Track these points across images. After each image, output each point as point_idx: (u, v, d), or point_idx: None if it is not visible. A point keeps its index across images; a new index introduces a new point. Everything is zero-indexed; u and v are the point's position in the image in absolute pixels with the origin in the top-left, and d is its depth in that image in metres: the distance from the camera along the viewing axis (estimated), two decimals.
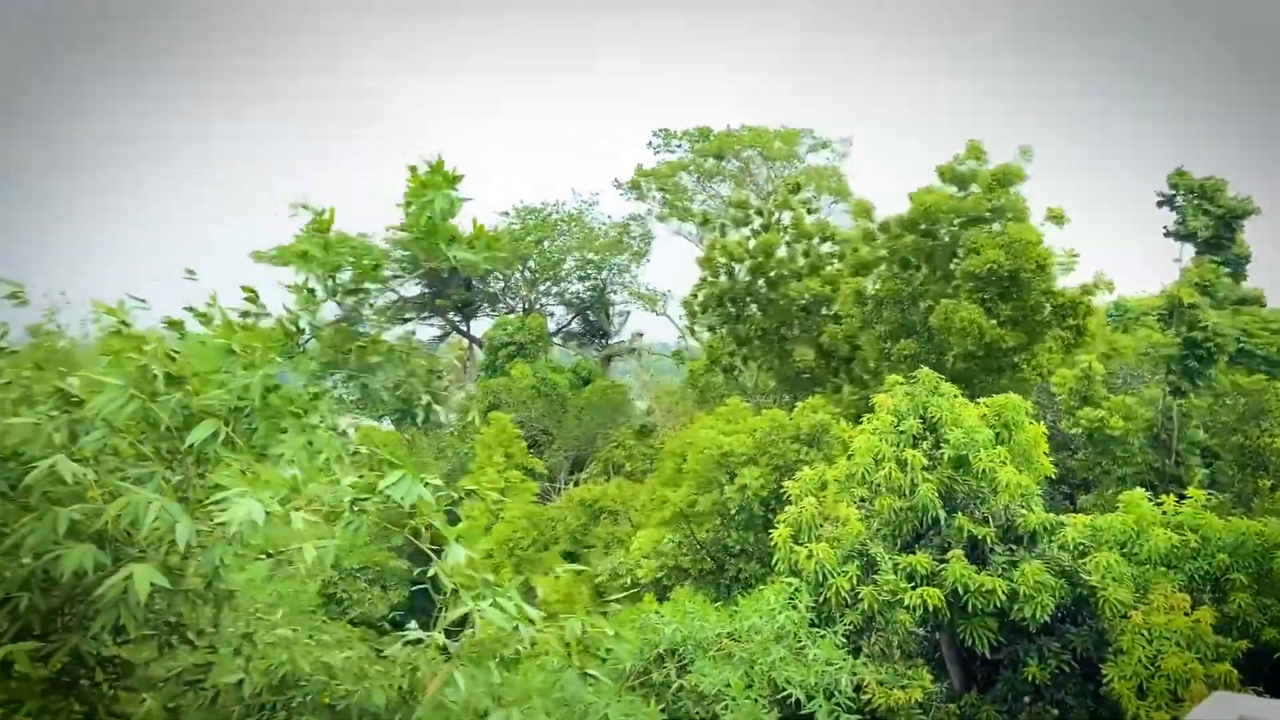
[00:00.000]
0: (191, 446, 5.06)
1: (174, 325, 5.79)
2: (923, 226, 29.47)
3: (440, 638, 5.36)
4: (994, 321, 27.74)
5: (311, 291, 5.99)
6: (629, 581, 25.07)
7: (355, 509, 5.07)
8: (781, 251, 36.61)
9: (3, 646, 4.73)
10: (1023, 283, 27.77)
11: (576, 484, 37.14)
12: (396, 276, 57.62)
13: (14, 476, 5.01)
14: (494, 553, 31.64)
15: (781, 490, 18.97)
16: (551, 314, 62.25)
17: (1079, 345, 28.84)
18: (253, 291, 5.98)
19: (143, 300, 5.79)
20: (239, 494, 4.64)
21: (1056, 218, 28.81)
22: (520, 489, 34.18)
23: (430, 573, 5.29)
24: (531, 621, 5.29)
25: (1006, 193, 28.73)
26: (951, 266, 29.54)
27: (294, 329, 5.93)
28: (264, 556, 5.55)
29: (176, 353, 5.40)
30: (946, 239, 29.68)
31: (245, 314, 5.95)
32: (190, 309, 5.84)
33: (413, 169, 5.93)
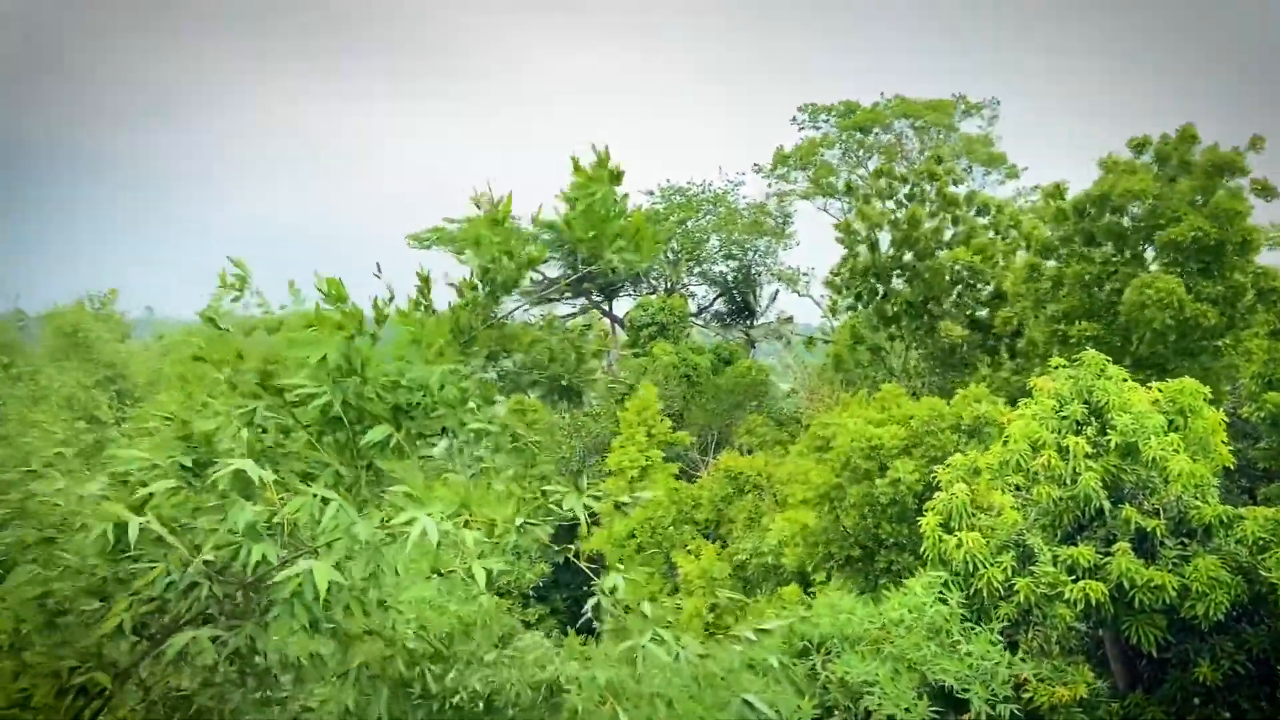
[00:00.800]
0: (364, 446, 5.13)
1: (381, 317, 5.77)
2: (1112, 203, 27.77)
3: (606, 673, 5.34)
4: (1192, 298, 25.90)
5: (475, 287, 5.94)
6: (771, 562, 24.84)
7: (521, 530, 5.07)
8: (930, 223, 35.38)
9: (184, 633, 4.93)
10: (1226, 258, 25.85)
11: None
12: (544, 261, 58.78)
13: (201, 460, 5.21)
14: (636, 532, 31.98)
15: (935, 479, 18.38)
16: (693, 294, 62.13)
17: None
18: (425, 280, 5.95)
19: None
20: (410, 500, 4.70)
21: (1264, 190, 26.59)
22: (661, 468, 34.35)
23: (593, 603, 5.30)
24: (683, 646, 5.20)
25: (1221, 182, 26.62)
26: (1140, 248, 27.86)
27: (457, 326, 5.88)
28: (435, 575, 5.59)
29: (369, 335, 5.39)
30: (1131, 221, 27.87)
31: (416, 304, 5.91)
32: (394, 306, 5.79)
33: (575, 161, 5.76)
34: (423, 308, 5.93)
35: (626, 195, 6.06)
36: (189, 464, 5.10)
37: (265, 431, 5.18)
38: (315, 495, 4.67)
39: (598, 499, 5.38)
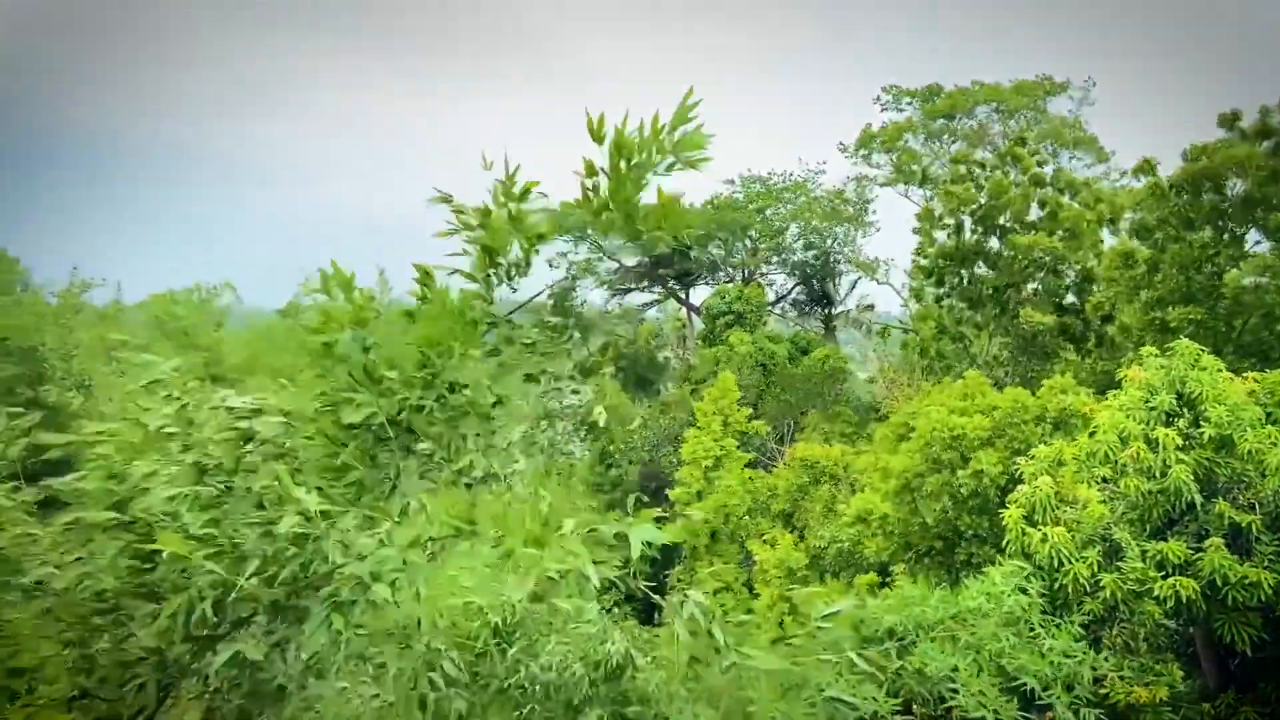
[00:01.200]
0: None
1: (408, 315, 5.41)
2: (1214, 177, 26.67)
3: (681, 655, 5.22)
4: None
5: (488, 277, 5.41)
6: (847, 548, 24.61)
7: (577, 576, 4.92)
8: (1014, 192, 34.53)
9: (230, 638, 4.98)
10: None
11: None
12: (620, 249, 59.31)
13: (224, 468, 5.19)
14: (709, 519, 31.98)
15: (1018, 471, 17.98)
16: (771, 283, 61.75)
17: None
18: (427, 273, 5.44)
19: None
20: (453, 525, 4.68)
21: None
22: (734, 457, 34.26)
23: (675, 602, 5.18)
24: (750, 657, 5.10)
25: None
26: (1240, 230, 26.74)
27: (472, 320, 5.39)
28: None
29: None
30: (1232, 201, 26.74)
31: (422, 298, 5.42)
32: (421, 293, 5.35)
33: (595, 126, 4.97)
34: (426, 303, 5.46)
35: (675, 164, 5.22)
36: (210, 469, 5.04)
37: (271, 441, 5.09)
38: (349, 512, 4.66)
39: (662, 520, 5.17)
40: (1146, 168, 28.69)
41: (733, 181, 61.12)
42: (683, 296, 62.01)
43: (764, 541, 29.32)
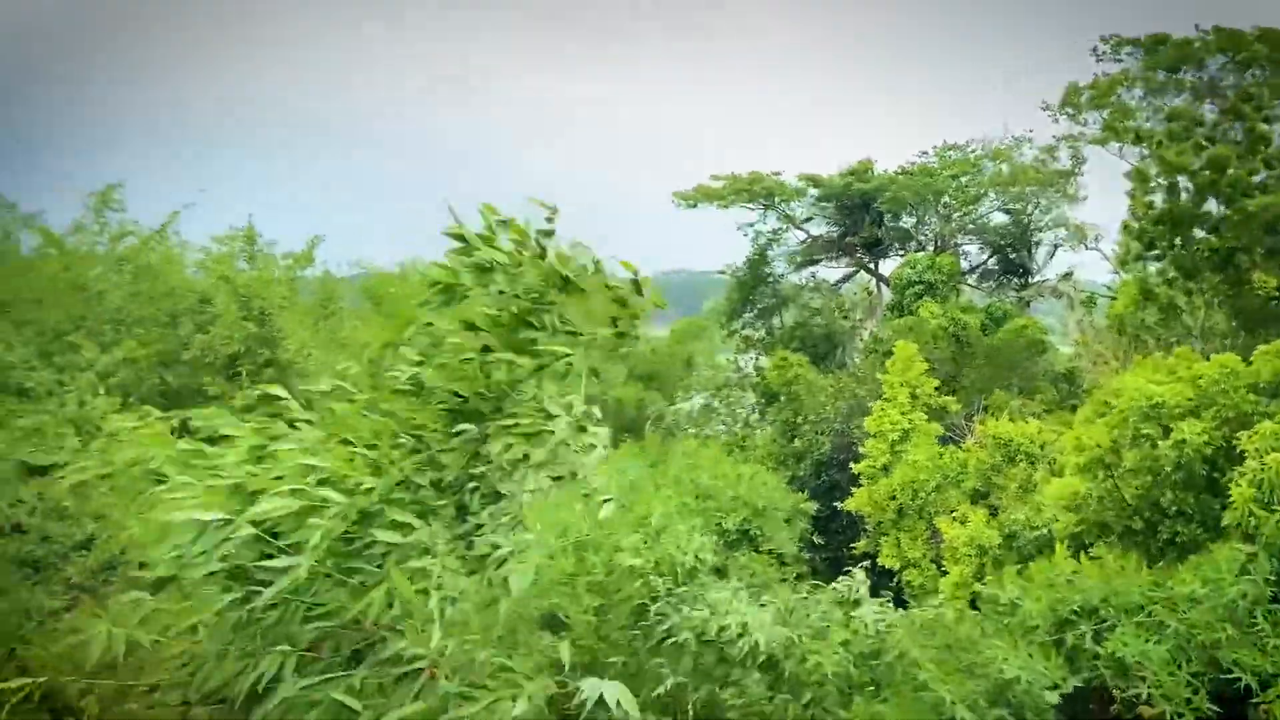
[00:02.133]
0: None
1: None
2: None
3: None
4: None
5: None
6: (1046, 532, 23.50)
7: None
8: (1237, 167, 31.56)
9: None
10: None
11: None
12: (808, 219, 58.51)
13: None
14: (897, 494, 31.27)
15: (1233, 444, 16.65)
16: (965, 253, 59.27)
17: None
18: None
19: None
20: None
21: None
22: (924, 430, 33.22)
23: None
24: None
25: None
26: None
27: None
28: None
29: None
30: None
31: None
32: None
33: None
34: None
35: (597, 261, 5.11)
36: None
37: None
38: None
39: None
40: None
41: (926, 152, 59.04)
42: (872, 267, 60.51)
43: (954, 518, 28.37)
